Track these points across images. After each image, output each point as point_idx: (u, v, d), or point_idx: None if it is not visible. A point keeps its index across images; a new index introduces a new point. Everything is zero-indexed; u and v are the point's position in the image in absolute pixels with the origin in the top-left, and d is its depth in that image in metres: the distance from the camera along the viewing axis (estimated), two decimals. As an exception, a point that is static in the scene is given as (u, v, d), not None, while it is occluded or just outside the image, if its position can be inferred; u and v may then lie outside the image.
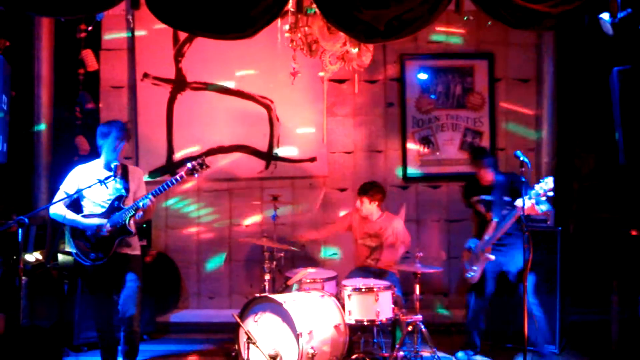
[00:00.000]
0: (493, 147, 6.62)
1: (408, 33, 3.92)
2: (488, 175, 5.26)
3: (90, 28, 6.26)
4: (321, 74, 5.13)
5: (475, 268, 5.27)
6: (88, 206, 4.73)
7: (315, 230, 6.42)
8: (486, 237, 5.19)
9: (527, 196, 4.67)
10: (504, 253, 5.21)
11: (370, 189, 5.74)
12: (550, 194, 4.60)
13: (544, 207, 4.80)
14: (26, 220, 4.00)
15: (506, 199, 5.10)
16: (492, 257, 5.14)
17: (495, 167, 5.30)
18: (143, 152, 6.57)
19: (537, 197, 4.65)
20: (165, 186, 4.63)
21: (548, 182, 4.62)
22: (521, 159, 4.77)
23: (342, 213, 6.43)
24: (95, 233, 4.61)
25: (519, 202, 4.73)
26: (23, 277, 5.17)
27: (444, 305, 6.67)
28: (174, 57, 6.60)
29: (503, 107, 6.66)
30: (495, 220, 5.13)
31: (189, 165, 4.73)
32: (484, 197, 5.30)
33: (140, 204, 4.58)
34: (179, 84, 6.62)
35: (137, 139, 6.55)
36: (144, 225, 5.95)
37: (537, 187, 4.66)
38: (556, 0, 3.89)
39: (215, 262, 6.69)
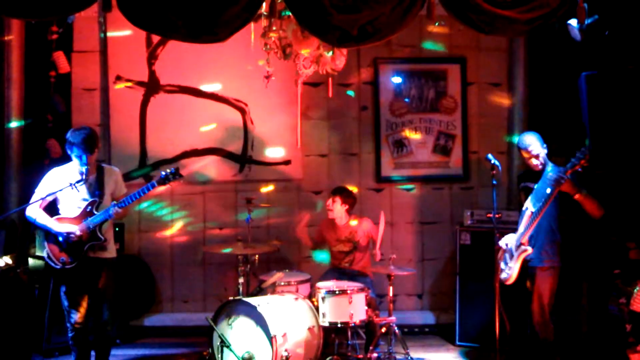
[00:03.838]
0: (466, 150, 6.69)
1: (380, 38, 3.94)
2: (535, 164, 4.89)
3: (61, 30, 6.19)
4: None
5: (511, 266, 4.86)
6: (63, 209, 4.72)
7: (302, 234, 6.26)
8: (521, 228, 4.87)
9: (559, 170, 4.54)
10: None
11: (344, 190, 5.82)
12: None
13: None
14: (-5, 224, 3.95)
15: (548, 192, 4.69)
16: (529, 249, 4.77)
17: (547, 157, 4.91)
18: (116, 156, 6.51)
19: (573, 165, 4.47)
20: (137, 195, 4.63)
21: (583, 150, 4.42)
22: (492, 162, 4.85)
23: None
24: (66, 238, 4.58)
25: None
26: (-7, 282, 5.13)
27: (417, 307, 6.71)
28: (147, 60, 6.55)
29: (475, 111, 6.73)
30: (532, 210, 4.79)
31: (162, 173, 4.73)
32: (528, 184, 4.99)
33: (109, 212, 4.56)
34: (152, 86, 6.57)
35: (109, 142, 6.50)
36: (117, 229, 5.89)
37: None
38: (526, 6, 3.94)
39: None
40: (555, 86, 6.11)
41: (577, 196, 4.65)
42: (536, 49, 6.39)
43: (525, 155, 4.92)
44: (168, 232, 6.64)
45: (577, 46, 4.84)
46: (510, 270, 4.85)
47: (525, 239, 4.79)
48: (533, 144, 4.87)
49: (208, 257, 6.61)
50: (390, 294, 5.23)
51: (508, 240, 4.95)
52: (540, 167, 4.88)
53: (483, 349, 5.67)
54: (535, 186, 4.87)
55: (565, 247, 4.92)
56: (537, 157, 4.86)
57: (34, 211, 4.64)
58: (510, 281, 4.87)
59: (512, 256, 4.88)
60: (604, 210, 4.69)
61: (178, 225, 6.65)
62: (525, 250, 4.78)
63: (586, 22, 4.11)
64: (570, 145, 5.42)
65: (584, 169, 4.50)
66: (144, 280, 6.51)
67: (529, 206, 4.85)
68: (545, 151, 4.88)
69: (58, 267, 4.64)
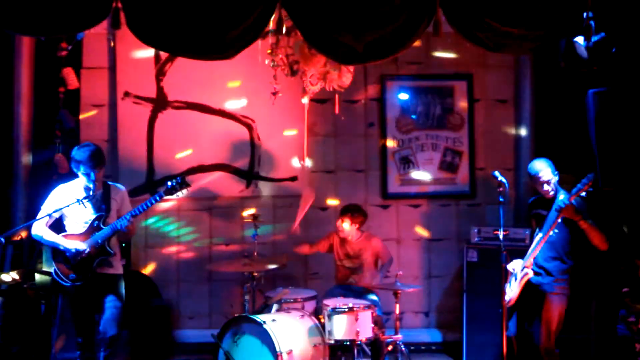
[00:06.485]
0: (472, 166, 6.68)
1: (386, 55, 3.96)
2: (545, 190, 4.86)
3: (70, 47, 6.24)
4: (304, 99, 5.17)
5: (513, 288, 4.86)
6: (70, 226, 4.70)
7: (304, 246, 6.25)
8: (528, 251, 4.86)
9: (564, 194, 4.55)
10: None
11: (353, 210, 5.78)
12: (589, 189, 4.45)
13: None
14: (2, 239, 3.96)
15: (559, 221, 4.70)
16: (531, 272, 4.78)
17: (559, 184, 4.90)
18: (123, 171, 6.53)
19: (577, 190, 4.50)
20: (145, 206, 4.62)
21: (589, 176, 4.44)
22: (499, 179, 4.82)
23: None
24: (74, 255, 4.57)
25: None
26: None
27: (424, 324, 6.66)
28: (155, 76, 6.59)
29: (482, 128, 6.73)
30: (541, 235, 4.77)
31: (168, 184, 4.73)
32: (540, 211, 4.96)
33: (119, 224, 4.56)
34: (160, 102, 6.61)
35: (117, 158, 6.52)
36: (123, 245, 5.90)
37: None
38: (533, 23, 3.95)
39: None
40: (563, 103, 6.10)
41: (581, 223, 4.61)
42: (543, 66, 6.39)
43: (536, 181, 4.86)
44: (174, 248, 6.64)
45: (584, 63, 4.84)
46: (512, 293, 4.83)
47: (529, 263, 4.76)
48: (543, 170, 4.82)
49: (214, 274, 6.59)
50: (397, 311, 5.19)
51: (515, 265, 4.93)
52: (551, 193, 4.83)
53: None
54: (547, 214, 4.82)
55: (574, 265, 4.88)
56: (547, 183, 4.81)
57: (41, 229, 4.63)
58: (511, 303, 4.85)
59: (515, 279, 4.86)
60: (608, 244, 4.65)
61: (184, 241, 6.64)
62: (527, 274, 4.77)
63: (593, 40, 4.11)
64: (577, 162, 5.40)
65: (590, 192, 4.49)
66: (150, 297, 6.48)
67: (540, 234, 4.83)
68: (557, 178, 4.83)
69: (67, 284, 4.62)
